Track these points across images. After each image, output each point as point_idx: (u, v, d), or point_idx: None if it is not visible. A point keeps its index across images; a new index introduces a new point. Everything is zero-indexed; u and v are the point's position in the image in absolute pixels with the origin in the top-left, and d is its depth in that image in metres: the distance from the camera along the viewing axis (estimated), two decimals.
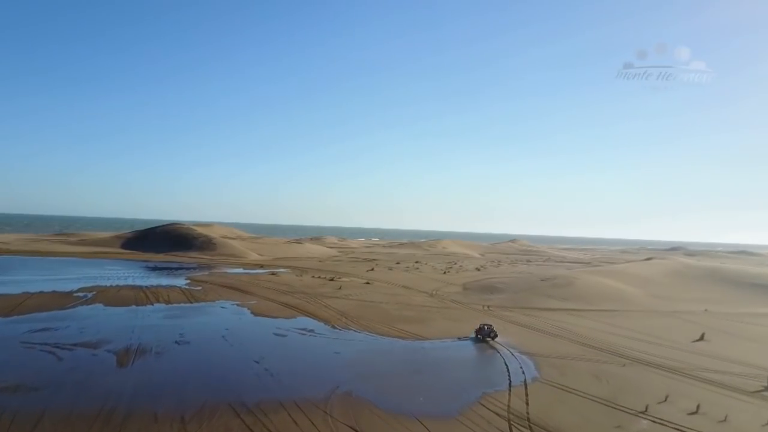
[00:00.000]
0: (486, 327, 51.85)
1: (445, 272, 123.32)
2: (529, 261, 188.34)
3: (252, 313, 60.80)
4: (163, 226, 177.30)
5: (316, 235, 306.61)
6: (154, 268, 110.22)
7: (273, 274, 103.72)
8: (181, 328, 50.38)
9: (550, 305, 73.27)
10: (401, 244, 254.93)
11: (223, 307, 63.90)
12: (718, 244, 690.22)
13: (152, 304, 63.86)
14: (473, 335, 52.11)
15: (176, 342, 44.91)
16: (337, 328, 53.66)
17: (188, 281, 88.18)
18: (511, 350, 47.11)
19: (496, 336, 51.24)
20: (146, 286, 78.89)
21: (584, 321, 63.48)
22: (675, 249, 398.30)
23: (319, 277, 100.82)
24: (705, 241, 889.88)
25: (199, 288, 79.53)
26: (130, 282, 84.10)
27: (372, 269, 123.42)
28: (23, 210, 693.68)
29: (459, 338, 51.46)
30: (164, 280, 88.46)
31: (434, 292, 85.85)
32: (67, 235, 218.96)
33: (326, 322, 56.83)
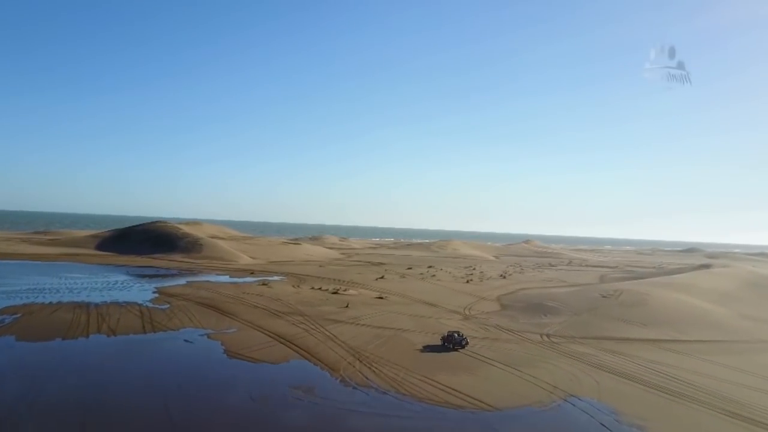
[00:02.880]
0: (456, 334, 47.08)
1: (467, 281, 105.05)
2: (551, 265, 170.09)
3: (226, 352, 42.45)
4: (145, 224, 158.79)
5: (316, 234, 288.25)
6: (123, 275, 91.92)
7: (264, 284, 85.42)
8: (105, 388, 32.11)
9: (629, 334, 55.00)
10: (408, 245, 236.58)
11: (187, 342, 45.52)
12: (731, 245, 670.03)
13: (87, 337, 45.54)
14: (441, 343, 46.97)
15: (81, 423, 26.64)
16: (349, 384, 35.34)
17: (156, 295, 69.89)
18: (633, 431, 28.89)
19: (467, 344, 46.41)
20: (96, 304, 60.59)
21: (693, 362, 45.27)
22: (690, 250, 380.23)
23: (320, 288, 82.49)
24: (712, 241, 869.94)
25: (166, 306, 61.22)
26: (80, 297, 65.86)
27: (382, 276, 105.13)
28: (29, 208, 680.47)
29: (541, 407, 33.10)
30: (125, 294, 70.12)
31: (467, 312, 67.61)
32: (45, 233, 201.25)
33: (332, 370, 38.52)
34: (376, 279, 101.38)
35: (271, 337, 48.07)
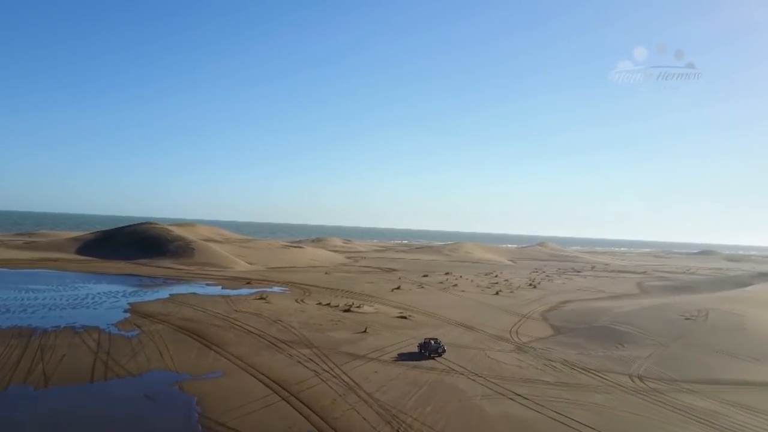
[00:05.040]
0: (432, 341, 45.00)
1: (496, 292, 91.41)
2: (576, 271, 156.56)
3: (202, 418, 28.80)
4: (133, 225, 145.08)
5: (318, 236, 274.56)
6: (97, 287, 78.35)
7: (262, 297, 71.83)
8: None
9: (746, 375, 41.35)
10: (418, 249, 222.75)
11: (147, 398, 31.89)
12: (741, 246, 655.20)
13: (4, 389, 31.96)
14: (417, 350, 44.79)
15: None
16: None
17: (126, 315, 56.42)
18: None
19: (444, 352, 44.27)
20: (44, 331, 47.11)
21: None
22: (705, 253, 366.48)
23: (329, 304, 68.87)
24: (717, 242, 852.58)
25: (134, 334, 47.67)
26: (30, 319, 52.58)
27: (398, 287, 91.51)
28: (26, 208, 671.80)
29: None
30: (88, 314, 56.61)
31: (515, 337, 54.01)
32: (29, 235, 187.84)
33: None
34: (392, 290, 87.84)
35: (268, 386, 34.44)
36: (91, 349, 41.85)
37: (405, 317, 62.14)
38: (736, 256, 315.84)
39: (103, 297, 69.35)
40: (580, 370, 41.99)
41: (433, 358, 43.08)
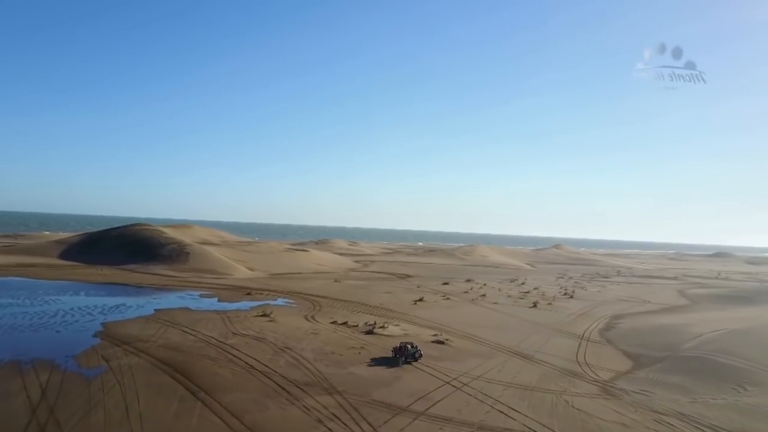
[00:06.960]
0: (409, 346, 42.17)
1: (534, 304, 79.80)
2: (603, 276, 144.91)
3: None
4: (122, 227, 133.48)
5: (322, 238, 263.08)
6: (72, 299, 66.87)
7: (264, 314, 60.16)
8: None
9: None
10: (429, 252, 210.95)
11: None
12: (759, 248, 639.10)
13: None
14: (392, 355, 41.65)
15: None
16: None
17: (96, 341, 44.93)
18: None
19: (421, 356, 41.59)
20: None
21: None
22: (721, 255, 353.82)
23: (346, 323, 57.27)
24: (726, 243, 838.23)
25: (98, 372, 36.16)
26: None
27: (420, 299, 79.84)
28: (26, 209, 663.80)
29: None
30: (50, 339, 45.31)
31: (589, 372, 42.39)
32: (15, 237, 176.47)
33: None
34: (415, 302, 76.30)
35: None
36: (32, 400, 30.34)
37: (441, 341, 50.51)
38: (756, 259, 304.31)
39: (76, 314, 57.80)
40: (704, 428, 30.37)
41: (409, 363, 40.78)
